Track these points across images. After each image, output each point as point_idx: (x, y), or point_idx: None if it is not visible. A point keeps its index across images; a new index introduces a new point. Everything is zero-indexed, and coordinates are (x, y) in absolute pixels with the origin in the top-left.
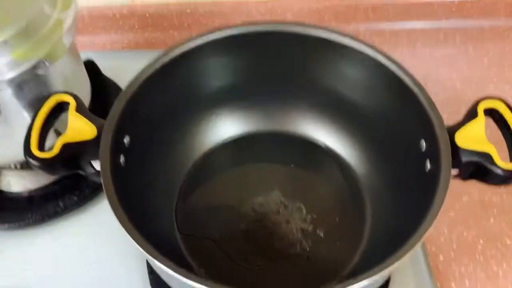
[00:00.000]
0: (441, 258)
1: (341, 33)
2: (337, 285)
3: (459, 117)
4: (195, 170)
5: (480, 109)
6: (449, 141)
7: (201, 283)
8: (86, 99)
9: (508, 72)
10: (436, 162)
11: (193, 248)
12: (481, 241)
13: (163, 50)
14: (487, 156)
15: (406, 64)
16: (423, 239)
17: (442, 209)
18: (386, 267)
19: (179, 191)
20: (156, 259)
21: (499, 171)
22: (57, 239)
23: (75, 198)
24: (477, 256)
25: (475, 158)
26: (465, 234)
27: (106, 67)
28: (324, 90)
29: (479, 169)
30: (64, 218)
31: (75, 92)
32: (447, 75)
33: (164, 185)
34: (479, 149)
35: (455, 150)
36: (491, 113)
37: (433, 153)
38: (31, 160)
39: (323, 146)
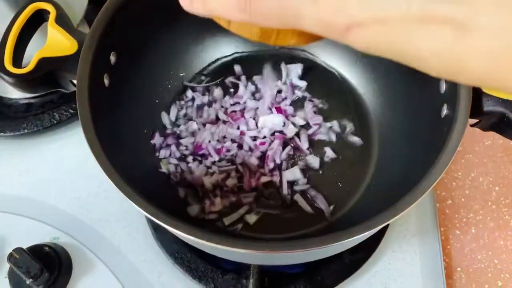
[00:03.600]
0: (450, 202)
1: None
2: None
3: None
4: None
5: None
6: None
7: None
8: None
9: None
10: (453, 108)
11: None
12: (496, 188)
13: None
14: None
15: None
16: (429, 190)
17: (457, 153)
18: (390, 217)
19: None
20: (121, 190)
21: None
22: (55, 151)
23: (71, 110)
24: (489, 204)
25: (499, 108)
26: (480, 179)
27: None
28: None
29: (502, 121)
30: (62, 131)
31: None
32: None
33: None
34: (507, 97)
35: (478, 96)
36: None
37: (452, 96)
38: (4, 76)
39: (336, 73)
